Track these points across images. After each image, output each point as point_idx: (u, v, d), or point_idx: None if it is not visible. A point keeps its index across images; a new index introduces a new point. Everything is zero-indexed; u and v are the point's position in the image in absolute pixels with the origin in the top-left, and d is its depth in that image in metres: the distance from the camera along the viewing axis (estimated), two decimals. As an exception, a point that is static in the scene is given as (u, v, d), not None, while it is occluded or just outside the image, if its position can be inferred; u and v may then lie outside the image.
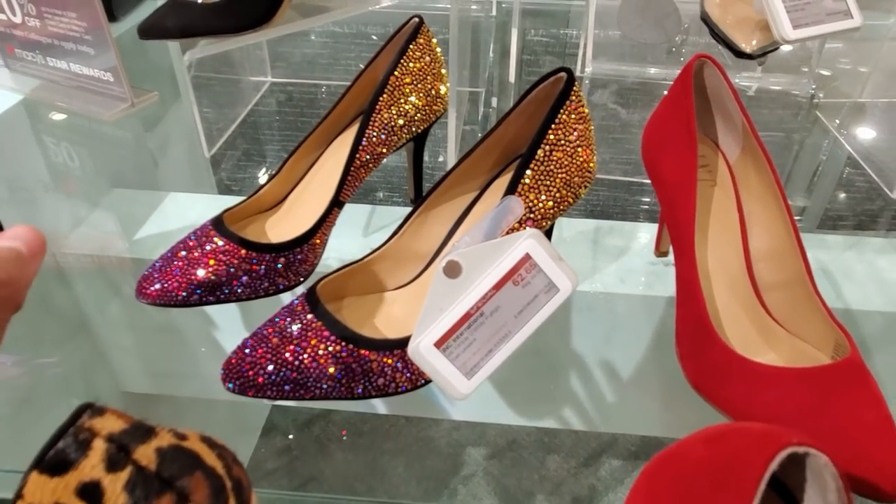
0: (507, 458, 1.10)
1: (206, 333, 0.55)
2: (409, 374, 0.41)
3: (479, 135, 0.49)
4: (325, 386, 0.40)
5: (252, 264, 0.47)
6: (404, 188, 0.67)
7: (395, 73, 0.53)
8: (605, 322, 0.57)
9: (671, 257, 0.47)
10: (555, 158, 0.45)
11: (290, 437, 1.10)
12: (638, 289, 0.57)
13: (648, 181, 0.51)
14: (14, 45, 0.78)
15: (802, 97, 0.84)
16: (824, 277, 0.57)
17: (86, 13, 0.69)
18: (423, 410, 0.61)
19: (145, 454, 0.21)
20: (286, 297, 0.49)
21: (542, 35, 1.03)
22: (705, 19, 0.72)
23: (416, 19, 0.54)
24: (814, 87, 0.84)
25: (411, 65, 0.53)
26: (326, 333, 0.41)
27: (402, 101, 0.53)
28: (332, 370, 0.40)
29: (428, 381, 0.42)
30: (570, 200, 0.47)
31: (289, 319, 0.42)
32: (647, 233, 0.62)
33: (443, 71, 0.56)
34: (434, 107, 0.56)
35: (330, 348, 0.40)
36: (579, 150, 0.46)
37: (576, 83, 0.45)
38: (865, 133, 0.81)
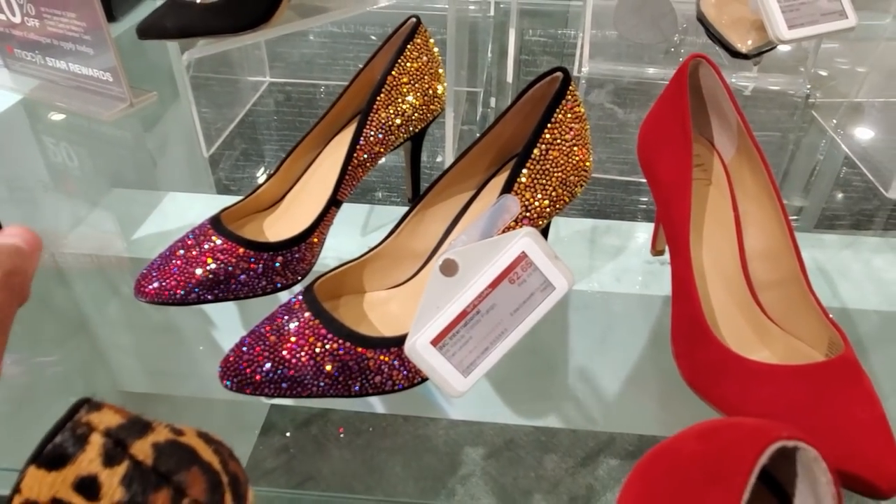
0: (505, 458, 1.10)
1: (205, 332, 0.55)
2: (405, 372, 0.42)
3: (478, 135, 0.49)
4: (322, 384, 0.40)
5: (250, 263, 0.48)
6: (402, 188, 0.67)
7: (393, 72, 0.53)
8: (601, 321, 0.57)
9: (667, 256, 0.47)
10: (551, 157, 0.45)
11: (288, 434, 1.11)
12: (635, 288, 0.57)
13: (645, 180, 0.51)
14: (13, 45, 0.78)
15: (798, 97, 0.85)
16: (821, 277, 0.58)
17: (85, 13, 0.69)
18: (420, 409, 0.61)
19: (142, 449, 0.22)
20: (284, 296, 0.49)
21: (540, 35, 1.03)
22: (701, 19, 0.73)
23: (414, 19, 0.55)
24: (809, 86, 0.84)
25: (409, 64, 0.54)
26: (324, 331, 0.41)
27: (399, 100, 0.54)
28: (329, 368, 0.40)
29: (425, 379, 0.42)
30: (566, 199, 0.47)
31: (286, 317, 0.42)
32: (643, 232, 0.62)
33: (440, 71, 0.57)
34: (431, 106, 0.56)
35: (327, 346, 0.41)
36: (575, 149, 0.46)
37: (572, 83, 0.46)
38: (861, 133, 0.82)
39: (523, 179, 0.45)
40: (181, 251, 0.48)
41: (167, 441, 0.22)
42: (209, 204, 0.63)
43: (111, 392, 0.58)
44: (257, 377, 0.40)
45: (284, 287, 0.50)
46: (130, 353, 0.60)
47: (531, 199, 0.45)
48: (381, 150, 0.54)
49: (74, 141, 0.78)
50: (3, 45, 0.79)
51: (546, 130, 0.45)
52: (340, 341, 0.41)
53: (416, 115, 0.55)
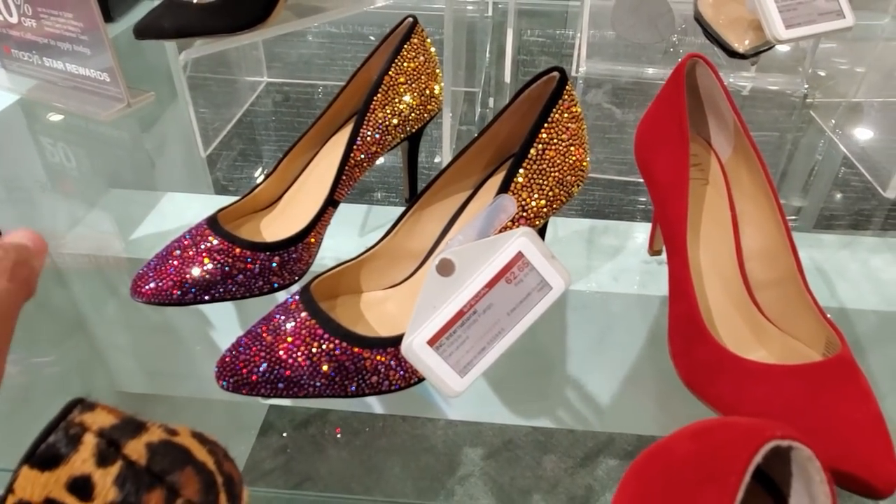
0: (504, 458, 1.10)
1: (202, 333, 0.55)
2: (402, 372, 0.41)
3: (475, 135, 0.49)
4: (318, 384, 0.40)
5: (247, 263, 0.48)
6: (400, 188, 0.67)
7: (390, 72, 0.53)
8: (599, 321, 0.57)
9: (664, 256, 0.47)
10: (547, 157, 0.45)
11: (285, 434, 1.11)
12: (632, 288, 0.57)
13: (642, 180, 0.51)
14: (10, 46, 0.78)
15: (796, 97, 0.85)
16: (819, 276, 0.58)
17: (82, 13, 0.69)
18: (418, 410, 0.61)
19: (136, 449, 0.22)
20: (281, 296, 0.49)
21: (539, 35, 1.03)
22: (699, 19, 0.73)
23: (411, 19, 0.55)
24: (806, 86, 0.84)
25: (405, 64, 0.54)
26: (320, 331, 0.41)
27: (396, 100, 0.53)
28: (325, 368, 0.40)
29: (421, 379, 0.42)
30: (563, 199, 0.47)
31: (283, 318, 0.42)
32: (641, 232, 0.62)
33: (437, 71, 0.57)
34: (428, 106, 0.56)
35: (324, 346, 0.41)
36: (572, 148, 0.46)
37: (568, 82, 0.46)
38: (859, 133, 0.82)
39: (520, 179, 0.45)
40: (178, 251, 0.48)
41: (161, 441, 0.22)
42: (207, 204, 0.63)
43: (109, 392, 0.58)
44: (254, 377, 0.40)
45: (281, 287, 0.50)
46: (128, 353, 0.60)
47: (528, 199, 0.45)
48: (379, 150, 0.54)
49: (72, 141, 0.78)
50: (0, 46, 0.79)
51: (543, 130, 0.45)
52: (337, 341, 0.41)
53: (413, 115, 0.55)
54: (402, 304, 0.48)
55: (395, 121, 0.54)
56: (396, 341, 0.41)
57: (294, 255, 0.49)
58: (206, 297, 0.47)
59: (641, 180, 0.52)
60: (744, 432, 0.24)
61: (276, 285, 0.49)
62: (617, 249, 0.61)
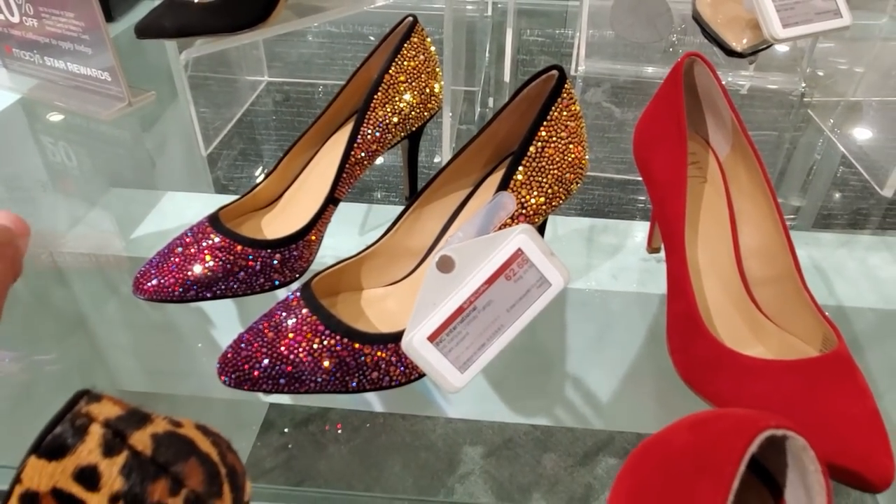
0: (504, 457, 1.10)
1: (203, 330, 0.55)
2: (402, 368, 0.42)
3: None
4: (319, 379, 0.41)
5: (248, 260, 0.48)
6: (401, 187, 0.67)
7: (390, 71, 0.53)
8: (599, 319, 0.58)
9: (663, 254, 0.48)
10: (546, 155, 0.45)
11: (286, 430, 1.11)
12: (632, 286, 0.57)
13: (642, 179, 0.52)
14: (12, 45, 0.78)
15: (794, 96, 0.85)
16: (817, 275, 0.58)
17: (83, 13, 0.70)
18: (418, 408, 0.61)
19: (141, 440, 0.22)
20: (282, 294, 0.49)
21: (538, 35, 1.04)
22: (697, 18, 0.73)
23: (411, 18, 0.55)
24: (804, 85, 0.85)
25: (406, 63, 0.54)
26: (321, 328, 0.41)
27: (396, 99, 0.54)
28: (326, 364, 0.41)
29: (422, 375, 0.43)
30: (562, 197, 0.47)
31: (284, 314, 0.43)
32: (640, 231, 0.62)
33: (437, 69, 0.57)
34: (428, 105, 0.56)
35: (325, 342, 0.41)
36: (571, 146, 0.46)
37: (567, 81, 0.46)
38: (857, 132, 0.82)
39: (519, 177, 0.45)
40: (179, 249, 0.48)
41: (166, 432, 0.23)
42: (207, 203, 0.63)
43: (110, 391, 0.58)
44: (255, 373, 0.40)
45: (282, 285, 0.50)
46: (129, 351, 0.60)
47: (527, 197, 0.46)
48: (379, 148, 0.54)
49: (73, 140, 0.78)
50: (1, 45, 0.79)
51: (542, 128, 0.45)
52: (338, 337, 0.41)
53: (413, 113, 0.55)
54: (403, 301, 0.49)
55: (395, 119, 0.54)
56: (397, 337, 0.41)
57: (295, 253, 0.50)
58: (208, 295, 0.48)
59: (640, 179, 0.52)
60: (739, 423, 0.24)
61: (277, 283, 0.49)
62: (616, 248, 0.61)
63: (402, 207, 0.51)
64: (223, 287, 0.48)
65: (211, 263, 0.47)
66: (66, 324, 0.59)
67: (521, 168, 0.45)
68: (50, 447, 0.21)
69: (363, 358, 0.41)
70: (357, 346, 0.41)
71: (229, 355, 0.41)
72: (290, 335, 0.41)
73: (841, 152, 0.77)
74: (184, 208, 0.66)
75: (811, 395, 0.36)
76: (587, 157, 0.48)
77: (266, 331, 0.42)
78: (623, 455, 1.10)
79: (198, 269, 0.47)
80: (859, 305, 0.56)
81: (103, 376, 0.58)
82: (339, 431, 1.11)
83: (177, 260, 0.47)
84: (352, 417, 1.13)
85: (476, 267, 0.37)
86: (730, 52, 0.69)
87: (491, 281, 0.37)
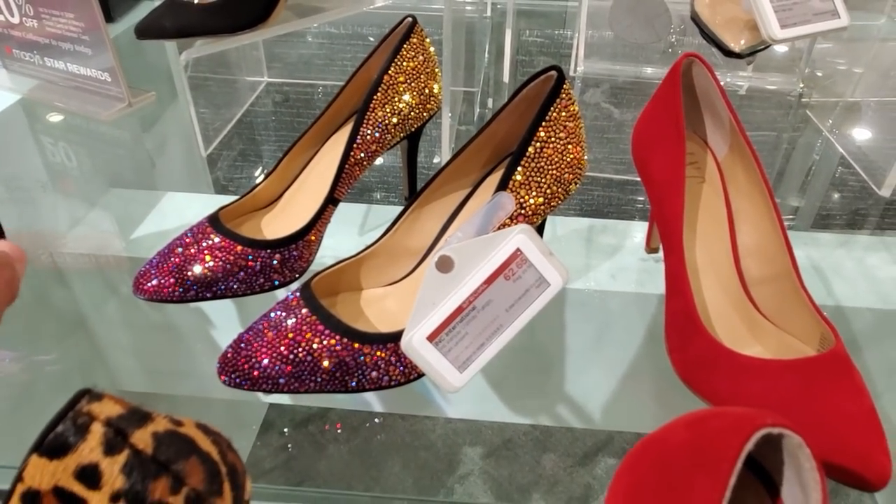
0: (504, 457, 1.10)
1: (203, 331, 0.55)
2: (402, 368, 0.42)
3: (474, 134, 0.50)
4: (319, 379, 0.41)
5: (248, 261, 0.48)
6: (400, 188, 0.67)
7: (389, 71, 0.54)
8: (598, 319, 0.58)
9: (661, 254, 0.48)
10: (545, 155, 0.46)
11: (286, 430, 1.11)
12: (630, 286, 0.57)
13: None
14: (12, 46, 0.78)
15: (792, 97, 0.85)
16: (815, 274, 0.58)
17: (83, 14, 0.70)
18: (417, 408, 0.62)
19: (142, 438, 0.22)
20: (282, 294, 0.49)
21: (537, 36, 1.04)
22: (695, 19, 0.73)
23: (410, 19, 0.55)
24: (801, 86, 0.85)
25: (405, 64, 0.54)
26: (321, 327, 0.41)
27: (395, 99, 0.54)
28: (326, 364, 0.41)
29: (421, 375, 0.43)
30: (561, 197, 0.47)
31: (284, 314, 0.43)
32: (639, 231, 0.63)
33: (436, 70, 0.57)
34: (428, 105, 0.56)
35: (324, 342, 0.41)
36: (569, 146, 0.46)
37: (566, 81, 0.46)
38: (855, 132, 0.82)
39: (518, 177, 0.45)
40: (179, 249, 0.48)
41: (166, 431, 0.23)
42: (207, 203, 0.63)
43: (110, 391, 0.59)
44: (255, 373, 0.41)
45: (282, 285, 0.50)
46: (129, 352, 0.60)
47: (526, 197, 0.46)
48: (378, 148, 0.54)
49: (73, 141, 0.78)
50: (1, 46, 0.79)
51: (540, 129, 0.45)
52: (337, 337, 0.41)
53: (412, 113, 0.55)
54: (402, 301, 0.49)
55: (394, 119, 0.54)
56: (396, 337, 0.41)
57: (295, 253, 0.50)
58: (208, 295, 0.48)
59: (639, 179, 0.52)
60: (736, 421, 0.25)
61: (276, 283, 0.50)
62: (615, 248, 0.61)
63: (401, 208, 0.51)
64: (223, 287, 0.48)
65: (211, 263, 0.47)
66: (66, 324, 0.59)
67: (519, 168, 0.45)
68: (51, 446, 0.21)
69: (363, 358, 0.41)
70: (356, 345, 0.41)
71: (229, 355, 0.42)
72: (290, 335, 0.41)
73: (839, 153, 0.77)
74: (184, 209, 0.66)
75: (809, 394, 0.37)
76: (586, 157, 0.48)
77: (266, 331, 0.42)
78: (622, 455, 1.09)
79: (198, 269, 0.47)
80: (858, 305, 0.56)
81: (103, 376, 0.58)
82: (339, 431, 1.11)
83: (177, 260, 0.48)
84: (351, 417, 1.13)
85: (475, 267, 0.37)
86: (728, 53, 0.69)
87: (490, 281, 0.37)
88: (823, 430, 0.35)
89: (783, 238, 0.44)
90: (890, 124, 0.84)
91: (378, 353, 0.41)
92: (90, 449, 0.21)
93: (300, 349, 0.41)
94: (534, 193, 0.46)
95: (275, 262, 0.49)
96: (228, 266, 0.48)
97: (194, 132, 0.74)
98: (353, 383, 0.41)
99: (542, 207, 0.47)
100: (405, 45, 0.54)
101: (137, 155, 0.81)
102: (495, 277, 0.37)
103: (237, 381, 0.41)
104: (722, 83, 0.47)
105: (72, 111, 0.77)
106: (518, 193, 0.46)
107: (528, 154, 0.45)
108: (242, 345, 0.42)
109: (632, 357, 0.53)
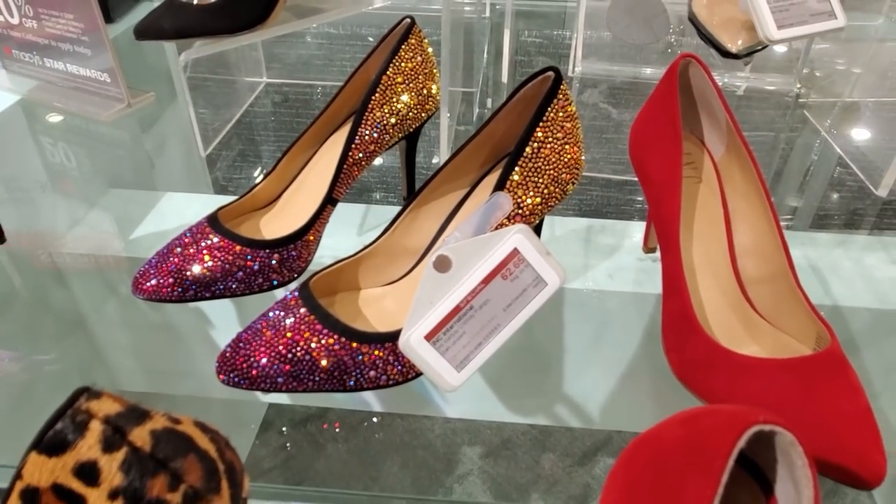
0: (502, 457, 1.10)
1: (202, 331, 0.55)
2: (400, 367, 0.42)
3: (473, 135, 0.50)
4: (317, 378, 0.41)
5: (246, 260, 0.48)
6: (398, 189, 0.68)
7: (388, 72, 0.54)
8: (596, 319, 0.58)
9: (659, 253, 0.48)
10: (543, 156, 0.46)
11: (284, 430, 1.11)
12: (628, 286, 0.57)
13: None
14: (11, 46, 0.78)
15: (790, 97, 0.85)
16: (813, 274, 0.58)
17: (83, 14, 0.70)
18: (416, 408, 0.62)
19: (140, 436, 0.22)
20: (280, 294, 0.50)
21: (536, 36, 1.04)
22: (693, 20, 0.73)
23: (408, 20, 0.55)
24: (798, 86, 0.85)
25: (403, 64, 0.54)
26: (319, 327, 0.42)
27: (394, 99, 0.54)
28: (324, 363, 0.41)
29: (419, 374, 0.43)
30: (559, 197, 0.47)
31: (282, 313, 0.43)
32: (637, 231, 0.63)
33: (435, 70, 0.57)
34: (426, 106, 0.57)
35: (322, 341, 0.41)
36: (567, 147, 0.46)
37: (563, 81, 0.46)
38: (853, 132, 0.82)
39: (515, 177, 0.46)
40: (178, 249, 0.48)
41: (165, 429, 0.23)
42: (206, 204, 0.63)
43: (109, 390, 0.59)
44: (253, 372, 0.41)
45: (281, 284, 0.50)
46: (128, 352, 0.61)
47: (523, 197, 0.46)
48: (377, 148, 0.55)
49: (72, 141, 0.78)
50: (1, 47, 0.79)
51: (538, 129, 0.45)
52: (336, 336, 0.41)
53: (410, 114, 0.55)
54: (400, 301, 0.49)
55: (392, 120, 0.54)
56: (394, 337, 0.41)
57: (293, 253, 0.50)
58: (207, 294, 0.48)
59: (637, 179, 0.52)
60: (729, 418, 0.25)
61: (275, 282, 0.50)
62: (613, 248, 0.61)
63: (399, 208, 0.51)
64: (222, 287, 0.48)
65: (210, 263, 0.48)
66: (65, 324, 0.59)
67: (517, 168, 0.46)
68: (50, 443, 0.21)
69: (361, 357, 0.41)
70: (355, 345, 0.41)
71: (228, 354, 0.42)
72: (288, 334, 0.41)
73: (837, 153, 0.77)
74: (183, 209, 0.66)
75: (805, 393, 0.37)
76: (583, 157, 0.48)
77: (264, 330, 0.42)
78: (621, 455, 1.10)
79: (196, 268, 0.47)
80: (855, 305, 0.56)
81: (103, 376, 0.58)
82: (337, 430, 1.11)
83: (176, 260, 0.48)
84: (350, 417, 1.13)
85: (473, 266, 0.37)
86: (725, 54, 0.70)
87: (487, 280, 0.37)
88: (820, 428, 0.35)
89: (780, 238, 0.44)
90: (887, 124, 0.84)
91: (376, 353, 0.41)
92: (89, 446, 0.21)
93: (298, 348, 0.41)
94: (531, 193, 0.46)
95: (273, 261, 0.49)
96: (227, 266, 0.48)
97: (193, 133, 0.74)
98: (352, 382, 0.41)
99: (540, 207, 0.47)
100: (403, 46, 0.54)
101: (137, 155, 0.81)
102: (493, 277, 0.37)
103: (236, 380, 0.41)
104: (720, 84, 0.47)
105: (71, 112, 0.77)
106: (515, 193, 0.46)
107: (525, 154, 0.46)
108: (241, 344, 0.42)
109: (630, 357, 0.53)
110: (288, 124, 0.85)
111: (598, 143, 0.79)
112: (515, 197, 0.46)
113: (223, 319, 0.54)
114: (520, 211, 0.46)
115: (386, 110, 0.54)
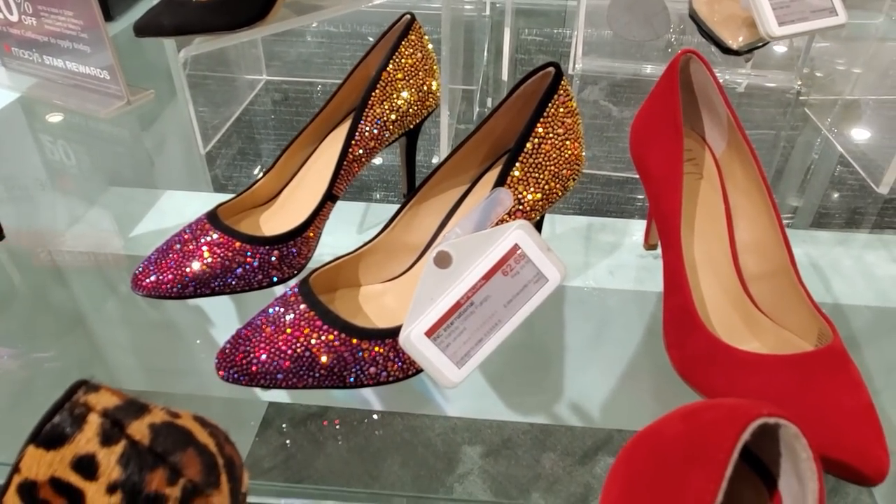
0: (503, 456, 1.10)
1: (202, 328, 0.55)
2: (400, 364, 0.42)
3: (473, 132, 0.50)
4: (317, 374, 0.41)
5: (246, 257, 0.48)
6: (399, 186, 0.68)
7: (388, 68, 0.54)
8: (596, 316, 0.58)
9: (660, 250, 0.48)
10: (543, 151, 0.46)
11: (285, 427, 1.11)
12: (629, 283, 0.57)
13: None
14: (11, 44, 0.78)
15: (790, 94, 0.85)
16: (814, 272, 0.58)
17: (82, 12, 0.70)
18: (416, 406, 0.62)
19: (139, 429, 0.22)
20: (280, 290, 0.49)
21: (536, 34, 1.04)
22: (693, 17, 0.73)
23: (408, 16, 0.55)
24: (799, 83, 0.85)
25: (403, 61, 0.54)
26: (319, 323, 0.41)
27: (394, 96, 0.54)
28: (324, 359, 0.41)
29: (419, 371, 0.43)
30: (559, 193, 0.47)
31: (282, 310, 0.43)
32: (638, 229, 0.63)
33: (435, 67, 0.57)
34: (426, 102, 0.56)
35: (322, 338, 0.41)
36: (567, 143, 0.46)
37: (564, 78, 0.46)
38: (854, 131, 0.82)
39: (516, 173, 0.46)
40: (178, 245, 0.48)
41: (163, 422, 0.23)
42: (206, 201, 0.63)
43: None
44: (253, 368, 0.41)
45: (281, 281, 0.50)
46: (127, 349, 0.60)
47: (524, 193, 0.46)
48: (377, 145, 0.55)
49: (72, 139, 0.78)
50: (0, 44, 0.79)
51: (538, 125, 0.45)
52: (336, 333, 0.41)
53: (410, 110, 0.55)
54: (401, 297, 0.49)
55: (392, 116, 0.54)
56: (395, 333, 0.41)
57: (293, 250, 0.50)
58: (206, 291, 0.48)
59: (638, 177, 0.52)
60: (731, 412, 0.25)
61: (275, 279, 0.50)
62: (614, 246, 0.61)
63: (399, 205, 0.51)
64: (221, 283, 0.48)
65: (209, 260, 0.47)
66: (65, 322, 0.59)
67: (517, 164, 0.45)
68: (48, 436, 0.21)
69: (361, 353, 0.41)
70: (355, 341, 0.41)
71: (227, 350, 0.42)
72: (288, 330, 0.41)
73: (838, 151, 0.77)
74: (182, 207, 0.66)
75: (806, 389, 0.37)
76: (584, 153, 0.48)
77: (264, 326, 0.42)
78: (621, 454, 1.09)
79: (196, 265, 0.47)
80: (856, 303, 0.56)
81: (102, 374, 0.58)
82: (338, 426, 1.11)
83: (175, 256, 0.48)
84: (350, 415, 1.13)
85: (473, 263, 0.37)
86: (726, 50, 0.70)
87: (488, 276, 0.37)
88: (821, 424, 0.35)
89: (781, 234, 0.44)
90: (888, 123, 0.84)
91: (376, 349, 0.41)
92: (87, 440, 0.21)
93: (298, 345, 0.41)
94: (532, 189, 0.46)
95: (273, 258, 0.49)
96: (227, 262, 0.48)
97: (193, 130, 0.74)
98: (352, 379, 0.41)
99: (540, 203, 0.47)
100: (403, 42, 0.54)
101: (136, 153, 0.81)
102: (493, 273, 0.37)
103: (235, 376, 0.41)
104: (720, 81, 0.47)
105: (71, 109, 0.77)
106: (516, 189, 0.46)
107: (525, 150, 0.45)
108: (241, 340, 0.42)
109: (631, 354, 0.53)
110: (288, 122, 0.85)
111: (598, 140, 0.79)
112: (516, 193, 0.46)
113: (223, 315, 0.54)
114: (520, 207, 0.46)
115: (386, 106, 0.54)
